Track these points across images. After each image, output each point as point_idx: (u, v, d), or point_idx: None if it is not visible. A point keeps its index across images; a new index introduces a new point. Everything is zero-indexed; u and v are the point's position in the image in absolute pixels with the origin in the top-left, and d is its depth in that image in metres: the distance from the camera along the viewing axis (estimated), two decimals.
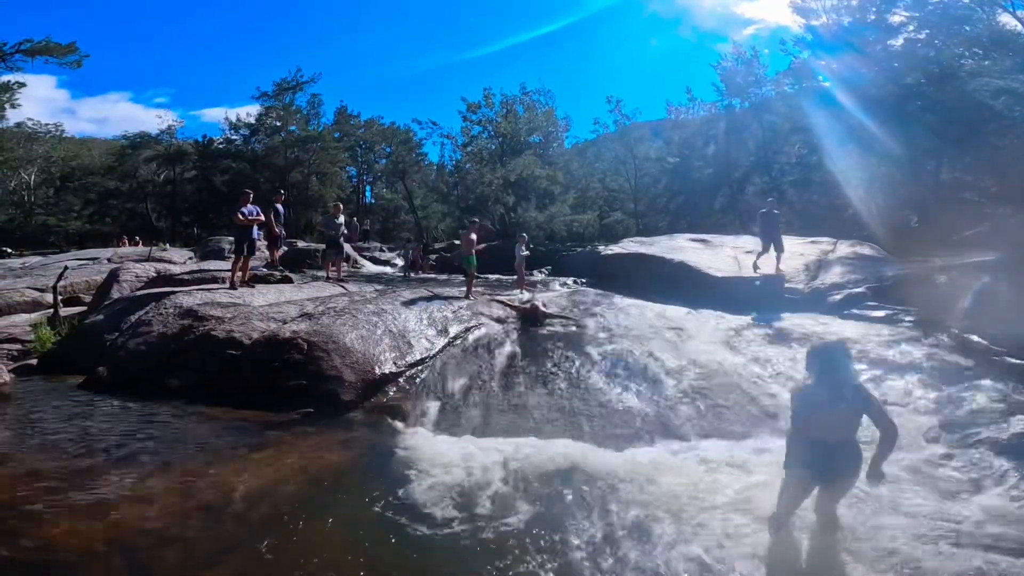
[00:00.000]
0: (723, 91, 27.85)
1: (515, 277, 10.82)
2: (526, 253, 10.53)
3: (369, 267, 16.42)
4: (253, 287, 8.64)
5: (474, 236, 9.27)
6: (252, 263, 10.39)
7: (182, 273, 10.67)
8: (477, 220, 10.66)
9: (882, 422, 2.84)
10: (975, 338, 7.02)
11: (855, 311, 7.99)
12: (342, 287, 9.49)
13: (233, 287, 8.33)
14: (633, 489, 3.72)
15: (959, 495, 3.70)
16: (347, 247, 15.35)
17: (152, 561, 2.89)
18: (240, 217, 8.46)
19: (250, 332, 6.46)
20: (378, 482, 3.83)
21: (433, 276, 13.08)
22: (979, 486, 3.79)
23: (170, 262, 13.97)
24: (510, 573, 2.80)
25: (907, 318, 7.79)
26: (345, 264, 14.16)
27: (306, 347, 5.89)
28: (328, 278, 10.62)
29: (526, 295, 9.08)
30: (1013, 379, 5.52)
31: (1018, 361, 6.12)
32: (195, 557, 2.92)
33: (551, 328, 6.79)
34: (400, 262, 17.98)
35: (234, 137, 34.42)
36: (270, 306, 7.45)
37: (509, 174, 26.89)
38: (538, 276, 12.77)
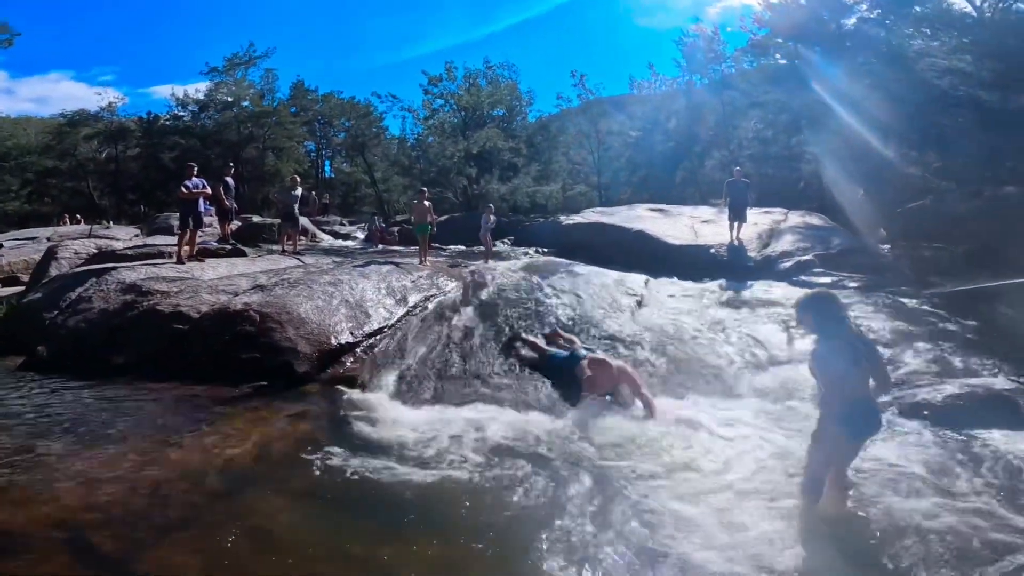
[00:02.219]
0: (685, 67, 28.26)
1: (480, 248, 10.98)
2: (492, 225, 10.64)
3: (329, 240, 16.09)
4: (202, 261, 8.40)
5: (427, 203, 9.40)
6: (204, 238, 10.11)
7: (125, 249, 10.28)
8: (426, 189, 10.84)
9: (884, 374, 2.94)
10: (913, 302, 7.45)
11: (803, 277, 8.34)
12: (298, 259, 9.29)
13: (180, 261, 8.09)
14: (591, 452, 3.80)
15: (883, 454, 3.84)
16: (305, 221, 15.09)
17: (100, 540, 2.78)
18: (184, 191, 8.22)
19: (198, 305, 6.24)
20: (335, 453, 3.76)
21: (396, 248, 12.90)
22: (910, 443, 3.94)
23: (113, 239, 13.41)
24: (472, 537, 2.81)
25: (851, 284, 8.19)
26: (303, 238, 13.89)
27: (258, 319, 5.72)
28: (284, 251, 10.42)
29: (490, 263, 9.21)
30: (948, 342, 5.86)
31: (954, 324, 6.52)
32: (144, 535, 2.82)
33: (512, 296, 6.80)
34: (361, 235, 17.72)
35: (182, 113, 33.50)
36: (220, 279, 7.23)
37: (471, 147, 26.87)
38: (501, 247, 12.74)
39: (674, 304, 6.86)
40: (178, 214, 8.86)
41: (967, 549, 2.66)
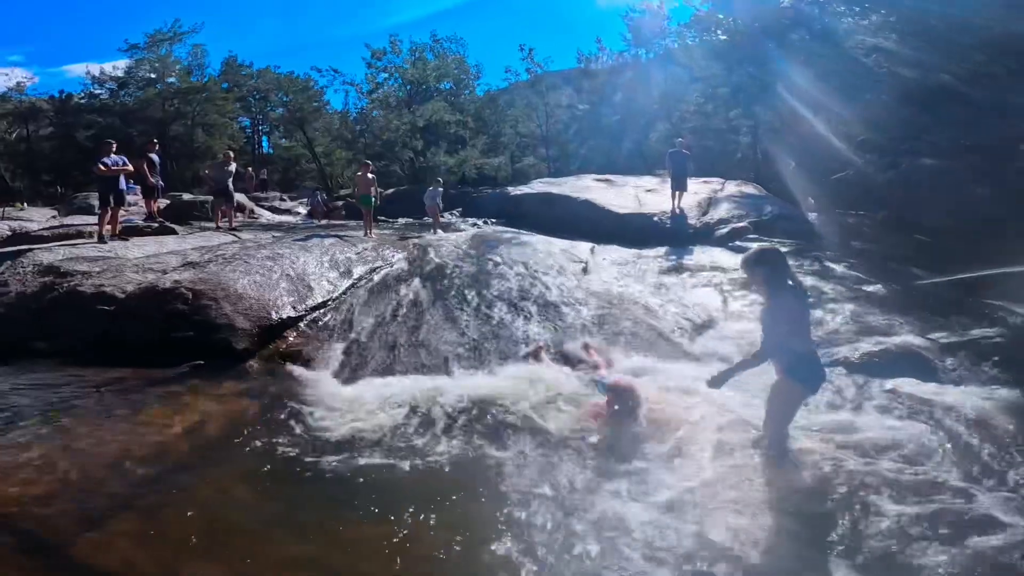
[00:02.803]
0: (631, 42, 28.67)
1: (428, 219, 11.13)
2: (439, 197, 10.83)
3: (268, 216, 15.46)
4: (127, 240, 7.99)
5: (370, 175, 9.42)
6: (129, 216, 9.62)
7: (41, 230, 9.68)
8: (370, 162, 10.72)
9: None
10: (837, 266, 7.99)
11: (738, 243, 8.76)
12: (234, 235, 8.91)
13: (102, 241, 7.68)
14: (542, 414, 3.83)
15: (816, 408, 4.01)
16: (241, 197, 14.49)
17: (30, 528, 2.62)
18: (102, 168, 7.79)
19: (123, 285, 5.91)
20: (277, 430, 3.67)
21: (341, 223, 12.59)
22: (830, 403, 4.12)
23: (28, 221, 12.55)
24: (420, 511, 2.77)
25: (782, 249, 8.62)
26: (240, 215, 13.34)
27: (191, 296, 5.45)
28: (218, 227, 9.96)
29: (439, 234, 9.23)
30: (867, 304, 6.28)
31: (873, 286, 7.03)
32: (78, 521, 2.68)
33: (460, 265, 6.79)
34: (303, 210, 17.20)
35: (99, 91, 31.43)
36: (147, 258, 6.86)
37: (417, 120, 26.59)
38: (449, 218, 12.65)
39: (619, 270, 7.06)
40: (97, 193, 8.32)
41: (897, 487, 2.86)
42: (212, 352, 5.00)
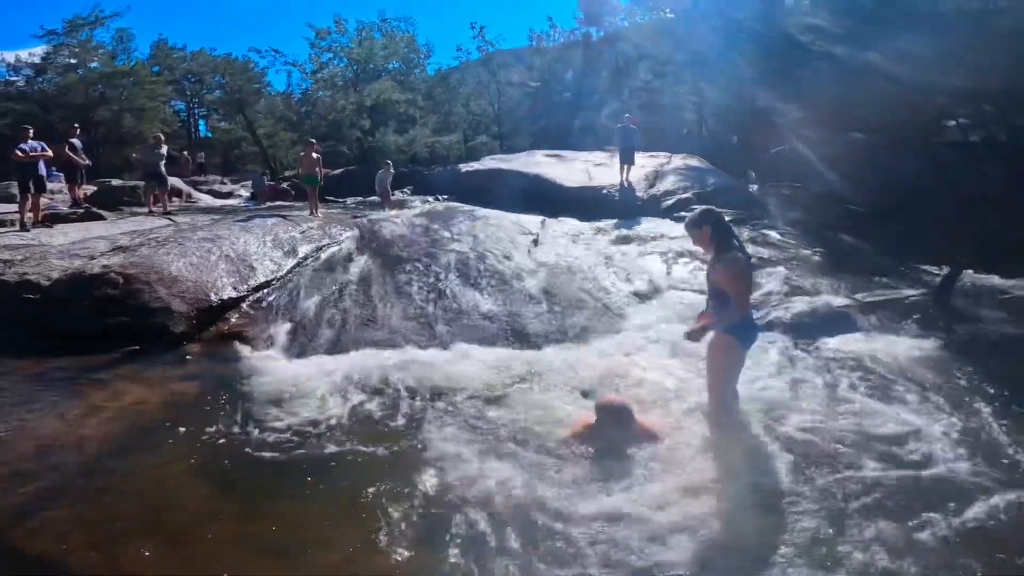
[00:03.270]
0: (582, 19, 28.88)
1: (377, 199, 11.12)
2: (390, 179, 10.85)
3: (208, 200, 14.79)
4: (51, 227, 7.60)
5: (315, 155, 9.37)
6: (52, 203, 9.11)
7: None
8: (315, 141, 10.60)
9: None
10: (774, 234, 8.41)
11: (683, 214, 8.97)
12: (168, 219, 8.51)
13: (24, 228, 7.31)
14: (491, 388, 3.85)
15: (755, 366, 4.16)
16: (177, 181, 13.82)
17: None
18: (19, 154, 7.49)
19: (48, 272, 5.56)
20: (219, 411, 3.58)
21: (288, 204, 12.21)
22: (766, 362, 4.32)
23: None
24: (366, 482, 2.76)
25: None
26: (177, 199, 12.70)
27: (122, 280, 5.20)
28: (151, 212, 9.47)
29: (390, 212, 9.28)
30: (800, 268, 6.61)
31: (806, 252, 7.45)
32: (7, 513, 2.58)
33: (410, 240, 6.73)
34: (245, 193, 16.59)
35: (14, 78, 29.36)
36: (73, 244, 6.48)
37: (365, 100, 26.22)
38: (400, 195, 12.47)
39: (568, 242, 7.18)
40: (16, 181, 7.83)
41: (830, 435, 3.09)
42: (149, 337, 4.81)
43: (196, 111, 37.26)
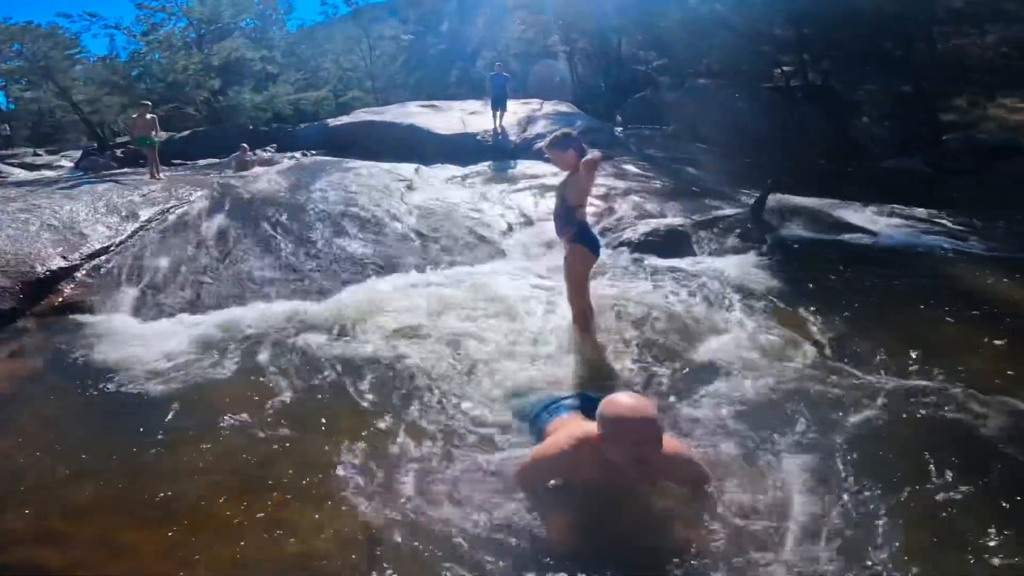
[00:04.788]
0: None
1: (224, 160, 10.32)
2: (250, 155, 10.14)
3: (20, 174, 12.63)
4: None
5: (149, 116, 8.99)
6: None
7: None
8: (149, 103, 9.93)
9: None
10: (631, 167, 9.15)
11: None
12: None
13: None
14: (368, 326, 3.77)
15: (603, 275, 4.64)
16: None
17: None
18: None
19: None
20: (66, 385, 3.27)
21: (117, 171, 10.82)
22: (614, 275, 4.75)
23: None
24: (237, 439, 2.67)
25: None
26: None
27: None
28: None
29: (254, 170, 8.79)
30: (649, 196, 7.17)
31: (656, 183, 8.21)
32: None
33: (273, 195, 6.37)
34: (67, 163, 14.41)
35: None
36: None
37: (211, 59, 24.53)
38: (263, 154, 11.56)
39: (443, 186, 7.26)
40: None
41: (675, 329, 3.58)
42: None
43: None
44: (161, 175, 8.38)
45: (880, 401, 2.71)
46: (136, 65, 28.63)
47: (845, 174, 10.64)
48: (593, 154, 3.22)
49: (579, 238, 3.36)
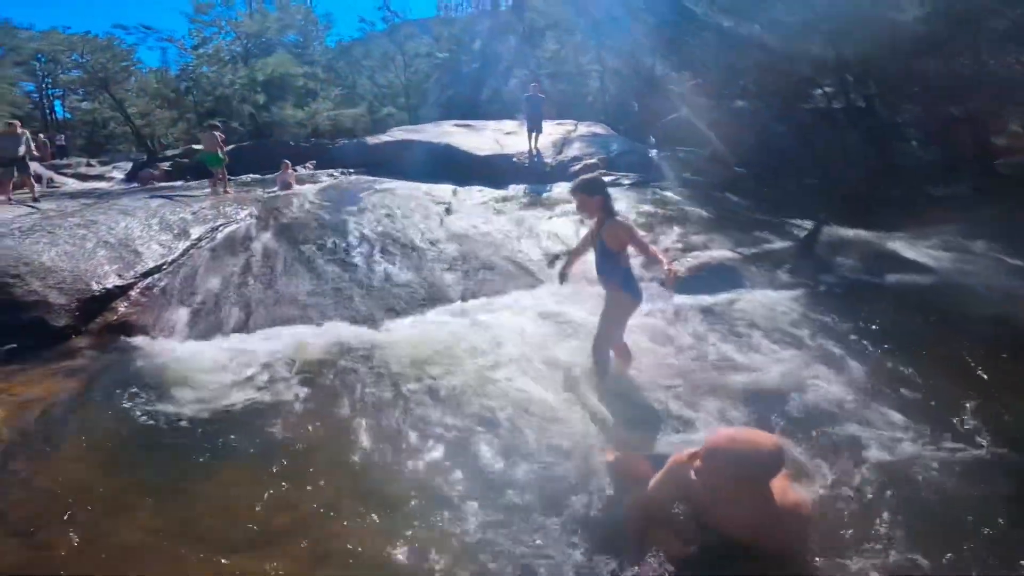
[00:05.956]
0: None
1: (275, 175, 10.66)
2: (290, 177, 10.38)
3: (74, 184, 13.25)
4: None
5: (216, 135, 9.31)
6: None
7: None
8: (217, 123, 10.53)
9: None
10: (670, 194, 9.05)
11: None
12: (32, 207, 7.56)
13: None
14: (409, 356, 3.81)
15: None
16: (36, 166, 12.20)
17: None
18: None
19: None
20: (119, 404, 3.35)
21: (166, 185, 11.28)
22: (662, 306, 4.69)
23: None
24: (285, 461, 2.72)
25: (626, 182, 9.58)
26: (38, 185, 11.23)
27: None
28: (9, 200, 8.36)
29: (294, 188, 9.04)
30: (691, 225, 7.15)
31: (698, 211, 8.08)
32: None
33: (316, 214, 6.51)
34: (119, 175, 15.03)
35: None
36: None
37: (257, 73, 25.44)
38: (303, 171, 11.89)
39: (481, 209, 7.29)
40: None
41: (721, 380, 3.46)
42: (25, 333, 4.36)
43: (49, 92, 33.82)
44: (231, 190, 9.02)
45: (936, 456, 2.60)
46: (186, 78, 29.52)
47: (891, 200, 10.30)
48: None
49: (627, 287, 3.29)
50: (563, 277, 3.63)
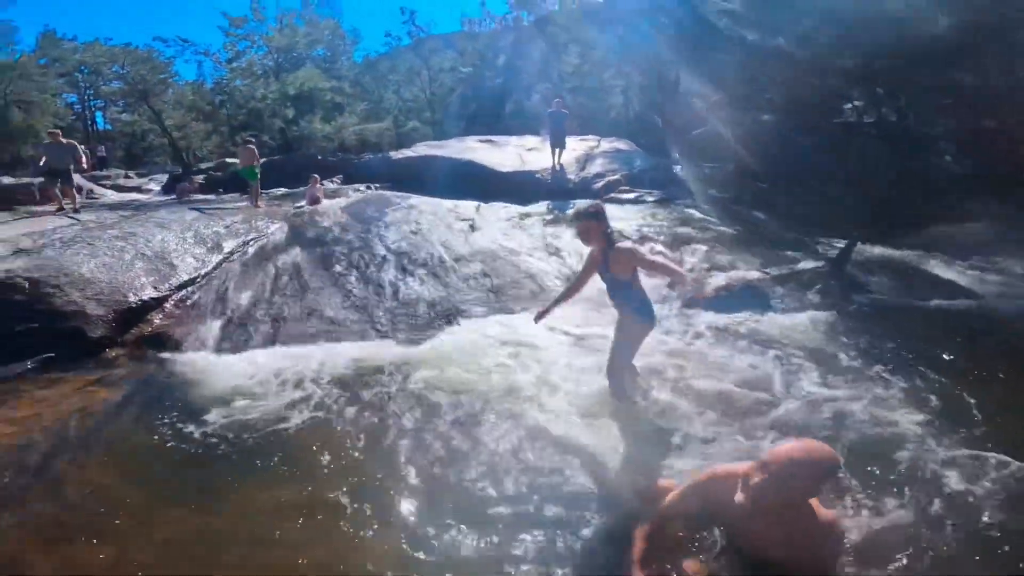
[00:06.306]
0: (513, 3, 29.19)
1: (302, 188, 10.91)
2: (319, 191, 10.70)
3: (113, 195, 13.76)
4: None
5: (251, 148, 9.68)
6: None
7: None
8: (252, 138, 10.89)
9: None
10: (695, 212, 8.97)
11: (612, 195, 9.47)
12: (73, 218, 7.86)
13: None
14: (435, 374, 3.84)
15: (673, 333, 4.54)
16: (77, 177, 12.72)
17: None
18: None
19: None
20: (153, 415, 3.45)
21: (201, 197, 11.63)
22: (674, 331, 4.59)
23: None
24: (315, 479, 2.77)
25: (650, 199, 9.54)
26: (78, 195, 11.71)
27: (27, 285, 4.82)
28: (61, 209, 8.77)
29: (323, 202, 9.23)
30: (717, 244, 7.04)
31: (724, 228, 7.99)
32: None
33: (344, 229, 6.64)
34: (155, 187, 15.54)
35: None
36: None
37: (287, 88, 25.85)
38: (330, 185, 12.14)
39: (505, 226, 7.33)
40: None
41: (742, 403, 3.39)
42: (63, 343, 4.51)
43: (91, 103, 34.79)
44: (262, 204, 9.34)
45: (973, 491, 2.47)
46: (220, 92, 30.23)
47: (924, 216, 10.00)
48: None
49: (640, 312, 3.24)
50: (540, 317, 3.45)
